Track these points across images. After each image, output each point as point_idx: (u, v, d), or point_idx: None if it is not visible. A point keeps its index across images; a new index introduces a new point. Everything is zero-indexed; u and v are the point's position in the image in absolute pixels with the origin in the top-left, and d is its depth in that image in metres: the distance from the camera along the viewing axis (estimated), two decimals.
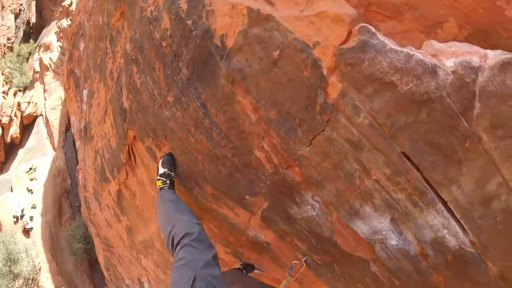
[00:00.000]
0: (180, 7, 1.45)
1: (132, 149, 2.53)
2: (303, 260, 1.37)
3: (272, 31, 1.10)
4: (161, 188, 1.66)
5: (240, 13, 1.20)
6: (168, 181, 1.66)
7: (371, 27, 0.90)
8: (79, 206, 9.18)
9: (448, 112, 0.84)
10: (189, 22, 1.41)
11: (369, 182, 0.99)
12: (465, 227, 0.96)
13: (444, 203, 0.95)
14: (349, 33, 0.95)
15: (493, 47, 0.83)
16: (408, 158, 0.92)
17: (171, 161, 1.71)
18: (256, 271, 1.95)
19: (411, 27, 0.94)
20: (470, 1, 0.85)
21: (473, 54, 0.82)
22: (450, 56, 0.84)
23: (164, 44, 1.62)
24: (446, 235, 0.99)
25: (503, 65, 0.78)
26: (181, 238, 1.24)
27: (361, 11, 0.97)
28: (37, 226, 9.75)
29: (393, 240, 1.07)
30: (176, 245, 1.24)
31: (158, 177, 1.70)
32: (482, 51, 0.82)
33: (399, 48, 0.86)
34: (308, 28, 1.03)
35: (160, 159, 1.76)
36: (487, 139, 0.83)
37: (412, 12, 0.92)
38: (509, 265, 0.99)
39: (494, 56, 0.80)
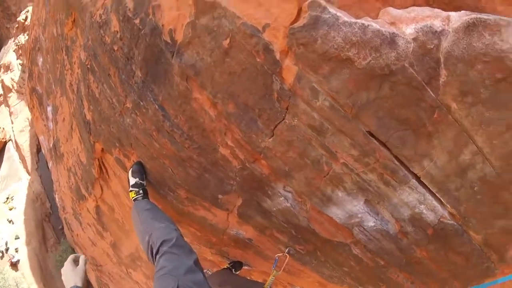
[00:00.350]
0: (127, 6, 1.35)
1: (102, 162, 2.40)
2: (286, 251, 1.33)
3: (220, 18, 1.02)
4: (135, 199, 1.57)
5: (186, 4, 1.11)
6: (141, 191, 1.58)
7: (322, 1, 0.84)
8: (62, 228, 8.78)
9: (412, 84, 0.79)
10: (137, 21, 1.31)
11: (337, 167, 0.94)
12: (442, 200, 0.93)
13: (418, 178, 0.91)
14: (300, 10, 0.87)
15: (456, 8, 0.77)
16: (375, 137, 0.87)
17: (140, 170, 1.62)
18: (245, 267, 1.91)
19: None
20: None
21: (435, 18, 0.76)
22: (410, 22, 0.77)
23: (115, 48, 1.51)
24: (424, 211, 0.96)
25: (468, 26, 0.72)
26: (160, 246, 1.17)
27: None
28: (23, 257, 9.28)
29: (371, 222, 1.04)
30: (156, 254, 1.17)
31: (131, 188, 1.61)
32: (444, 13, 0.76)
33: (353, 20, 0.80)
34: (256, 11, 0.95)
35: (130, 169, 1.67)
36: (456, 108, 0.79)
37: None
38: (492, 232, 0.98)
39: (458, 17, 0.74)
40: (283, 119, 0.94)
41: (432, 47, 0.75)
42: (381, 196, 0.96)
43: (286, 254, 1.32)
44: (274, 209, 1.18)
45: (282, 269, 1.30)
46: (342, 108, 0.86)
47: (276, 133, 0.98)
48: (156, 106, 1.32)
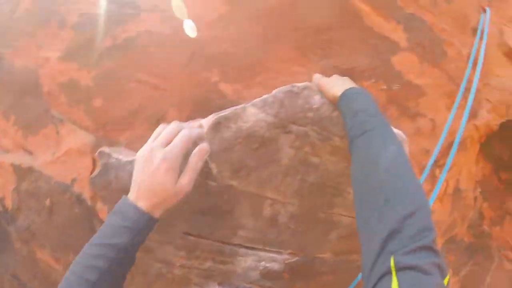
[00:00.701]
0: None
1: None
2: None
3: (37, 181, 1.11)
4: None
5: (8, 172, 1.18)
6: None
7: (106, 149, 1.00)
8: None
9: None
10: None
11: (177, 271, 1.05)
12: (273, 250, 1.11)
13: (242, 246, 1.08)
14: (94, 160, 1.04)
15: (212, 112, 0.97)
16: (191, 234, 1.03)
17: None
18: None
19: (143, 129, 1.05)
20: (180, 87, 1.02)
21: None
22: None
23: None
24: (267, 265, 1.12)
25: (215, 125, 0.92)
26: None
27: (101, 134, 1.08)
28: None
29: None
30: None
31: None
32: (197, 123, 0.96)
33: (130, 159, 0.97)
34: (63, 169, 1.08)
35: None
36: (237, 183, 0.98)
37: (138, 118, 1.05)
38: (332, 244, 1.15)
39: (207, 121, 0.94)
40: None
41: None
42: (227, 274, 1.09)
43: None
44: None
45: None
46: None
47: None
48: (9, 276, 1.27)
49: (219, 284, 1.11)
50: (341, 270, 1.27)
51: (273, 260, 1.12)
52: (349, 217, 1.19)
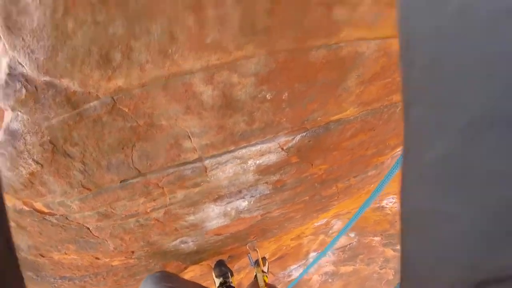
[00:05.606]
0: None
1: None
2: (251, 248, 1.29)
3: None
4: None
5: None
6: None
7: None
8: None
9: None
10: None
11: (156, 214, 0.80)
12: (253, 142, 0.75)
13: (204, 158, 0.74)
14: None
15: None
16: (127, 179, 0.72)
17: (220, 267, 1.38)
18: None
19: None
20: None
21: None
22: None
23: None
24: (258, 161, 0.79)
25: None
26: None
27: None
28: None
29: (243, 203, 0.90)
30: None
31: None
32: None
33: None
34: None
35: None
36: (123, 81, 0.58)
37: None
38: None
39: None
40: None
41: None
42: (212, 191, 0.81)
43: (255, 249, 1.28)
44: (192, 249, 1.11)
45: (261, 263, 1.25)
46: (84, 191, 0.71)
47: None
48: None
49: (214, 201, 0.87)
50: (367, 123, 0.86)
51: (264, 153, 0.77)
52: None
